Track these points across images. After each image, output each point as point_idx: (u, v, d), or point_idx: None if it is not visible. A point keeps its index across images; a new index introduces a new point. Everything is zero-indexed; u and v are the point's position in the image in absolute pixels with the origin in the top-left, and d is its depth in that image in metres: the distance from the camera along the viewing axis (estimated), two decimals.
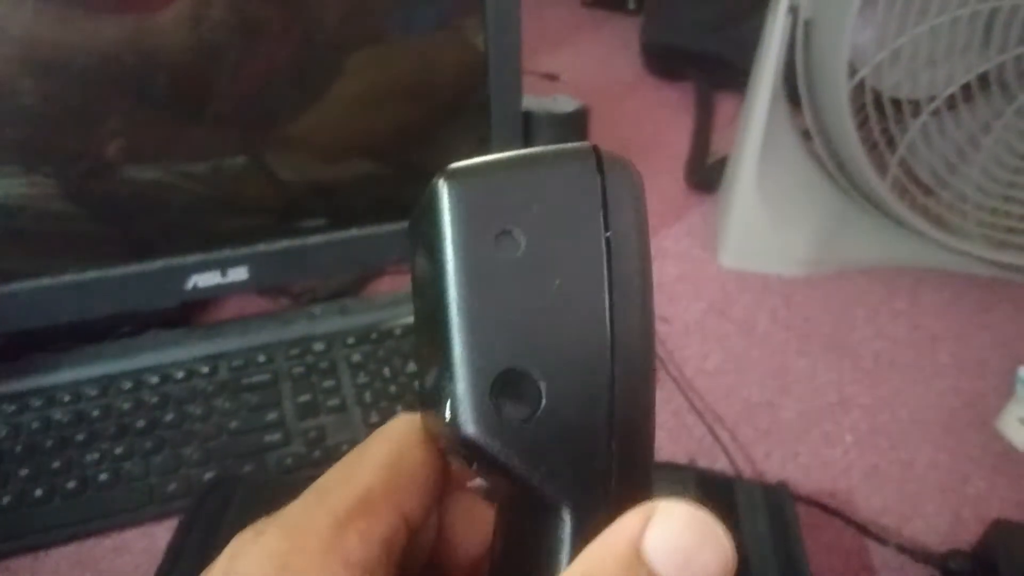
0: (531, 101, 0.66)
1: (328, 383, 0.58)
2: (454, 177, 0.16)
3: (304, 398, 0.56)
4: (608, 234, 0.16)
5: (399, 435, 0.19)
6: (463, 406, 0.15)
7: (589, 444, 0.16)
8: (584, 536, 0.15)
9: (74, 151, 0.54)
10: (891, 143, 0.64)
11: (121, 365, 0.58)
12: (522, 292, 0.15)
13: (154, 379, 0.57)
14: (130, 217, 0.57)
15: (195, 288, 0.58)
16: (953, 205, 0.66)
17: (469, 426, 0.15)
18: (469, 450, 0.16)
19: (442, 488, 0.20)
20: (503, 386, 0.15)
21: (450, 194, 0.16)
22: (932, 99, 0.61)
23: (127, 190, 0.56)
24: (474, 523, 0.20)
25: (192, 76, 0.54)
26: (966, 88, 0.61)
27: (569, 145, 0.16)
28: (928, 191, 0.66)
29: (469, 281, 0.15)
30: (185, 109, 0.56)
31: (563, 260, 0.16)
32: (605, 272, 0.16)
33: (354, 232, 0.61)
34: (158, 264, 0.57)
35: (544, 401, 0.15)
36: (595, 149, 0.16)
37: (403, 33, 0.60)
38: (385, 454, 0.18)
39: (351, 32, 0.58)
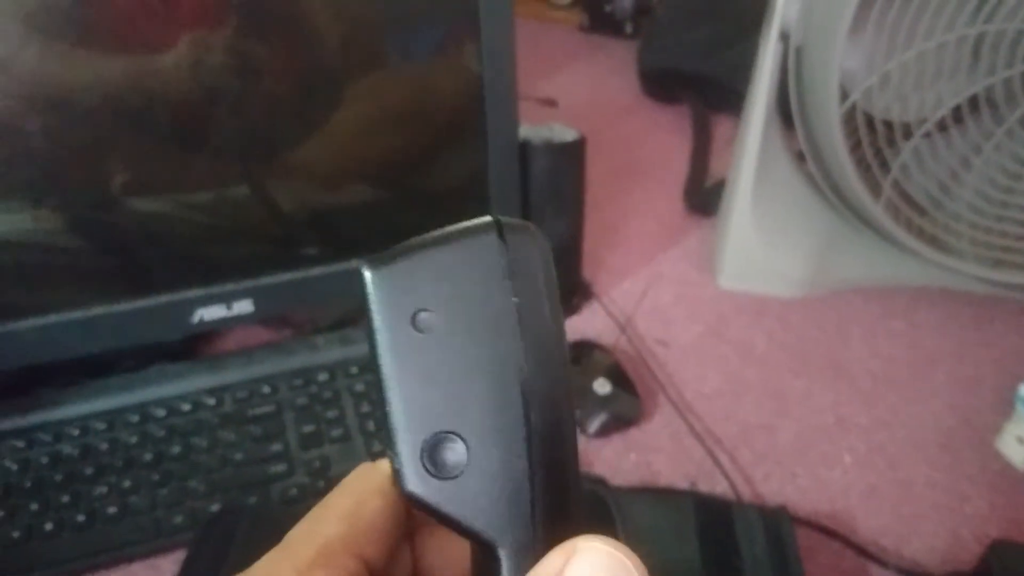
0: (528, 131, 0.67)
1: (331, 413, 0.58)
2: (374, 265, 0.18)
3: (308, 428, 0.57)
4: (516, 300, 0.17)
5: (358, 487, 0.20)
6: (401, 467, 0.18)
7: (513, 492, 0.18)
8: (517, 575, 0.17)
9: (79, 186, 0.55)
10: (884, 165, 0.65)
11: (127, 399, 0.59)
12: (442, 363, 0.17)
13: (160, 412, 0.58)
14: (136, 251, 0.58)
15: (201, 321, 0.59)
16: (947, 225, 0.67)
17: (408, 483, 0.18)
18: (413, 503, 0.18)
19: (403, 530, 0.21)
20: (433, 447, 0.17)
21: (371, 281, 0.18)
22: (923, 122, 0.62)
23: (132, 223, 0.57)
24: (448, 558, 0.22)
25: (193, 112, 0.55)
26: (956, 110, 0.62)
27: (473, 221, 0.18)
28: (922, 211, 0.67)
29: (394, 358, 0.17)
30: (187, 142, 0.57)
31: (476, 330, 0.17)
32: (517, 335, 0.17)
33: (355, 261, 0.62)
34: (164, 299, 0.58)
35: (469, 457, 0.17)
36: (496, 222, 0.18)
37: (400, 61, 0.62)
38: (344, 506, 0.20)
39: (349, 62, 0.59)
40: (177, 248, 0.59)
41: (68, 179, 0.55)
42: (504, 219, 0.18)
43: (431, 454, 0.17)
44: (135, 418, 0.57)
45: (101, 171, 0.55)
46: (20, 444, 0.55)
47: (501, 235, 0.18)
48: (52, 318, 0.56)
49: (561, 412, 0.18)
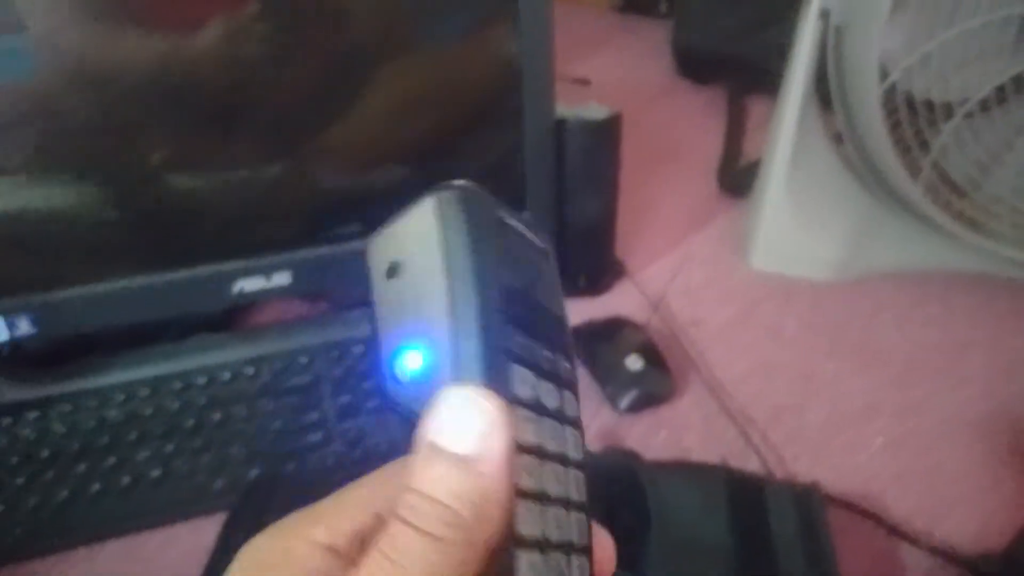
0: (564, 109, 0.67)
1: (367, 384, 0.60)
2: (372, 236, 0.23)
3: (344, 399, 0.58)
4: (440, 251, 0.21)
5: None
6: (383, 378, 0.22)
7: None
8: None
9: (120, 162, 0.57)
10: (924, 146, 0.64)
11: (170, 367, 0.61)
12: (406, 299, 0.21)
13: (202, 380, 0.59)
14: (176, 224, 0.59)
15: (241, 293, 0.60)
16: (987, 207, 0.66)
17: (387, 389, 0.22)
18: (388, 405, 0.22)
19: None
20: (401, 358, 0.21)
21: (368, 246, 0.23)
22: (965, 102, 0.61)
23: (172, 198, 0.58)
24: None
25: (229, 91, 0.56)
26: (999, 90, 0.61)
27: (432, 189, 0.22)
28: (962, 193, 0.66)
29: (377, 300, 0.22)
30: (224, 121, 0.58)
31: (424, 273, 0.21)
32: (445, 274, 0.21)
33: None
34: (205, 270, 0.60)
35: (424, 364, 0.21)
36: (442, 189, 0.22)
37: (437, 41, 0.62)
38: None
39: (384, 42, 0.60)
40: (216, 222, 0.60)
41: (110, 155, 0.57)
42: (445, 185, 0.22)
43: (399, 364, 0.21)
44: (177, 386, 0.59)
45: (142, 147, 0.57)
46: (68, 408, 0.57)
47: (440, 201, 0.22)
48: (97, 288, 0.57)
49: (472, 340, 0.20)
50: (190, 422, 0.56)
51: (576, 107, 0.68)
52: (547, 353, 0.22)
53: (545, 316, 0.23)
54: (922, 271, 0.75)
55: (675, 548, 0.46)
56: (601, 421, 0.60)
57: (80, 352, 0.62)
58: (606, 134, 0.68)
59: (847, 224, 0.75)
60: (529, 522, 0.19)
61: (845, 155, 0.72)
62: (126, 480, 0.53)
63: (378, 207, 0.67)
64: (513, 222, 0.23)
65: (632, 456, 0.53)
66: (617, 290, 0.74)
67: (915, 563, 0.51)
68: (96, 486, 0.52)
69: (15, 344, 0.59)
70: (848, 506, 0.53)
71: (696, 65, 1.08)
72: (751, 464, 0.57)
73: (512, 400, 0.19)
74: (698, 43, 1.07)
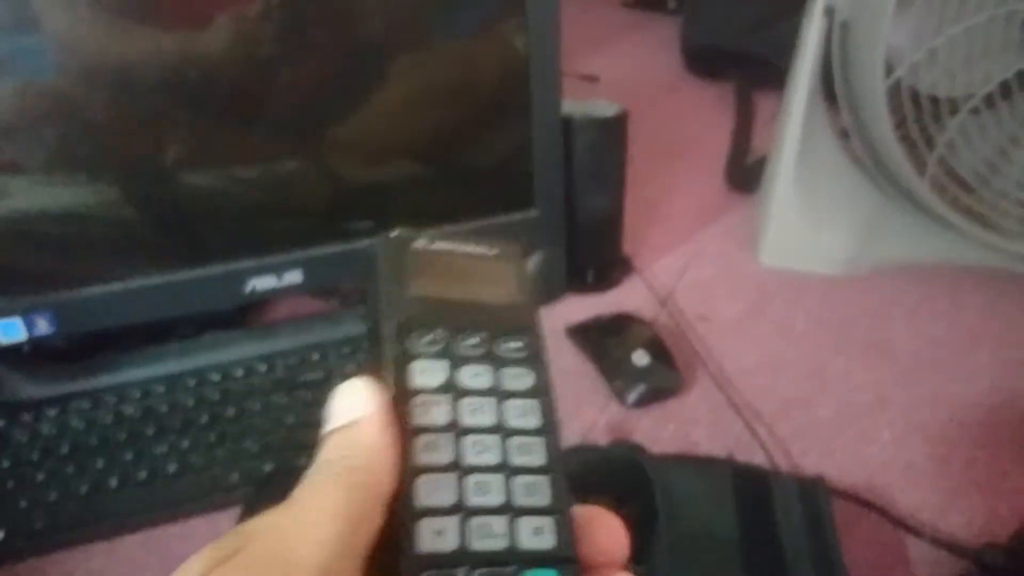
0: (571, 105, 0.67)
1: None
2: (379, 237, 0.27)
3: None
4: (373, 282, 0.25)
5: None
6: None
7: None
8: None
9: (135, 160, 0.58)
10: (929, 142, 0.64)
11: (185, 364, 0.62)
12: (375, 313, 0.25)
13: (216, 377, 0.60)
14: (190, 222, 0.60)
15: (253, 291, 0.61)
16: (994, 203, 0.66)
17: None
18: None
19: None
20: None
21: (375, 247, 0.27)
22: (970, 97, 0.62)
23: (186, 196, 0.59)
24: None
25: (241, 88, 0.57)
26: (1005, 86, 0.61)
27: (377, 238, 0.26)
28: (969, 189, 0.66)
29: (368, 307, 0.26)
30: (237, 118, 0.59)
31: (373, 300, 0.25)
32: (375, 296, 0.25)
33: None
34: (218, 268, 0.61)
35: None
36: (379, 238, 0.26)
37: (446, 37, 0.63)
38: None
39: (393, 38, 0.60)
40: (229, 220, 0.61)
41: (126, 154, 0.58)
42: (386, 234, 0.26)
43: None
44: (192, 382, 0.60)
45: (156, 146, 0.58)
46: (86, 405, 0.58)
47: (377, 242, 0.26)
48: (112, 287, 0.58)
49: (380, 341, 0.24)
50: (205, 417, 0.57)
51: (584, 104, 0.69)
52: (474, 340, 0.24)
53: (478, 309, 0.25)
54: (930, 266, 0.75)
55: (682, 540, 0.47)
56: (609, 415, 0.61)
57: (97, 349, 0.63)
58: (613, 131, 0.68)
59: (855, 219, 0.75)
60: (432, 492, 0.21)
61: (852, 151, 0.72)
62: (143, 474, 0.54)
63: (388, 204, 0.68)
64: (446, 245, 0.26)
65: (639, 449, 0.54)
66: (625, 286, 0.74)
67: (920, 555, 0.51)
68: (114, 480, 0.54)
69: (34, 342, 0.60)
70: (854, 498, 0.54)
71: (705, 61, 1.09)
72: (758, 458, 0.57)
73: (412, 389, 0.23)
74: (707, 39, 1.07)
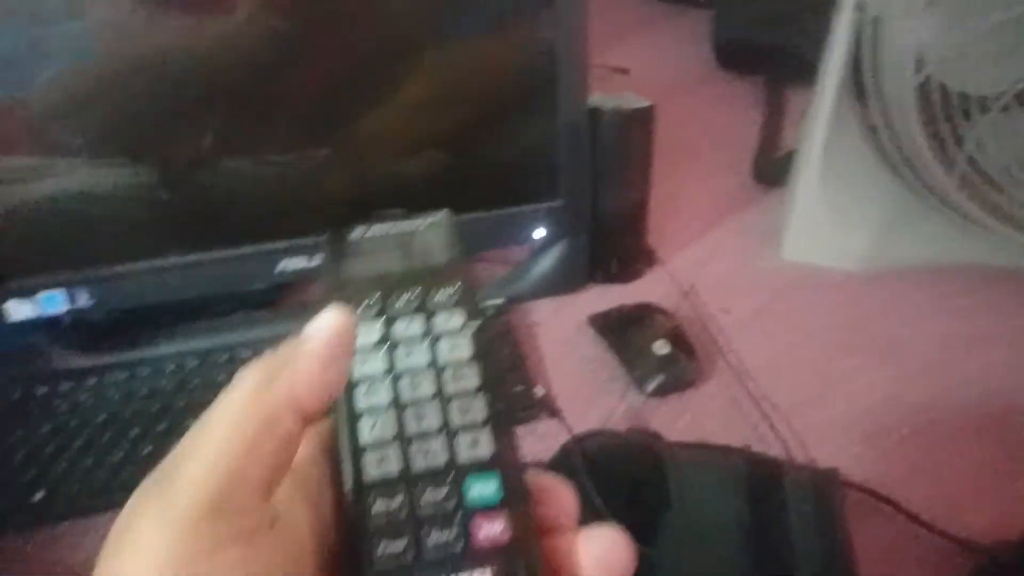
0: (599, 98, 0.68)
1: None
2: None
3: None
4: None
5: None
6: None
7: None
8: None
9: (172, 145, 0.60)
10: (958, 139, 0.64)
11: (217, 340, 0.64)
12: None
13: (247, 353, 0.62)
14: (224, 206, 0.62)
15: (283, 272, 0.63)
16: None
17: None
18: None
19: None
20: None
21: None
22: (1001, 95, 0.61)
23: (221, 182, 0.61)
24: None
25: (271, 76, 0.59)
26: None
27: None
28: (998, 188, 0.66)
29: None
30: (268, 105, 0.61)
31: None
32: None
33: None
34: (250, 249, 0.63)
35: None
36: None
37: (475, 28, 0.64)
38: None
39: (425, 28, 0.62)
40: (261, 203, 0.63)
41: (162, 139, 0.60)
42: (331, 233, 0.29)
43: None
44: (224, 358, 0.62)
45: (192, 131, 0.60)
46: (123, 376, 0.60)
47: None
48: (149, 264, 0.61)
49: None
50: None
51: (612, 96, 0.69)
52: (407, 297, 0.27)
53: (412, 274, 0.27)
54: (954, 265, 0.75)
55: (693, 526, 0.48)
56: (627, 403, 0.62)
57: (133, 324, 0.65)
58: (640, 123, 0.69)
59: (879, 215, 0.75)
60: (374, 428, 0.23)
61: (879, 147, 0.72)
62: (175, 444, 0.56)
63: (417, 191, 0.69)
64: (380, 230, 0.29)
65: (655, 436, 0.55)
66: (648, 277, 0.75)
67: (932, 551, 0.52)
68: (148, 449, 0.56)
69: (75, 315, 0.63)
70: (866, 492, 0.54)
71: (735, 55, 1.08)
72: (774, 451, 0.58)
73: (363, 346, 0.25)
74: (738, 33, 1.07)
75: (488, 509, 0.22)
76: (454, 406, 0.24)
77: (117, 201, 0.60)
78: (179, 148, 0.60)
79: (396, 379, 0.25)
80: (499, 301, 0.69)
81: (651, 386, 0.62)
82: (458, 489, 0.22)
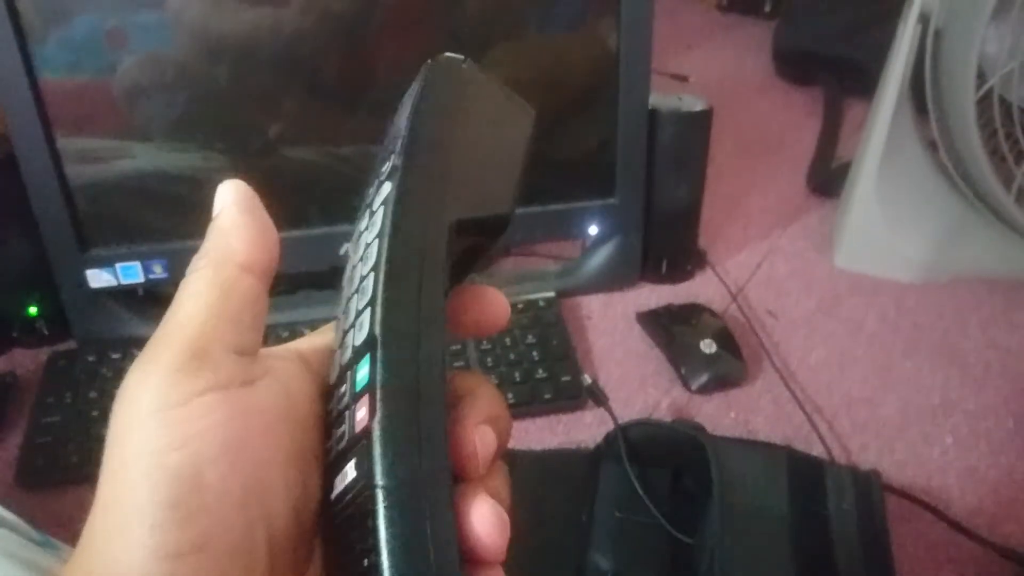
0: (658, 99, 0.70)
1: (455, 346, 0.64)
2: None
3: None
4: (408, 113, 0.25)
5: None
6: None
7: None
8: None
9: (244, 131, 0.63)
10: (1019, 155, 0.64)
11: (279, 317, 0.67)
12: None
13: (307, 330, 0.65)
14: (290, 191, 0.65)
15: (347, 254, 0.65)
16: None
17: None
18: None
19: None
20: None
21: None
22: None
23: (287, 167, 0.64)
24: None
25: (341, 69, 0.61)
26: None
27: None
28: None
29: None
30: (337, 97, 0.63)
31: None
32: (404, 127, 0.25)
33: None
34: (314, 232, 0.66)
35: None
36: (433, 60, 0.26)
37: (541, 30, 0.66)
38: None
39: (494, 26, 0.64)
40: (326, 190, 0.66)
41: (234, 124, 0.63)
42: (438, 57, 0.25)
43: None
44: (285, 334, 0.65)
45: (263, 119, 0.63)
46: None
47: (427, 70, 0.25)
48: None
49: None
50: None
51: (670, 97, 0.71)
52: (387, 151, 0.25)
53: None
54: (1009, 278, 0.75)
55: (734, 513, 0.49)
56: (672, 398, 0.63)
57: None
58: (698, 125, 0.70)
59: (935, 228, 0.75)
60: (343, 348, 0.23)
61: (937, 160, 0.72)
62: None
63: None
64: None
65: (698, 428, 0.56)
66: (698, 279, 0.76)
67: (969, 558, 0.52)
68: None
69: (150, 286, 0.66)
70: (908, 496, 0.54)
71: (795, 65, 1.09)
72: (816, 451, 0.58)
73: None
74: (800, 44, 1.07)
75: (359, 393, 0.21)
76: (366, 284, 0.23)
77: (189, 182, 0.63)
78: (250, 135, 0.63)
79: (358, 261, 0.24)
80: (551, 294, 0.71)
81: (697, 383, 0.63)
82: (353, 375, 0.21)
